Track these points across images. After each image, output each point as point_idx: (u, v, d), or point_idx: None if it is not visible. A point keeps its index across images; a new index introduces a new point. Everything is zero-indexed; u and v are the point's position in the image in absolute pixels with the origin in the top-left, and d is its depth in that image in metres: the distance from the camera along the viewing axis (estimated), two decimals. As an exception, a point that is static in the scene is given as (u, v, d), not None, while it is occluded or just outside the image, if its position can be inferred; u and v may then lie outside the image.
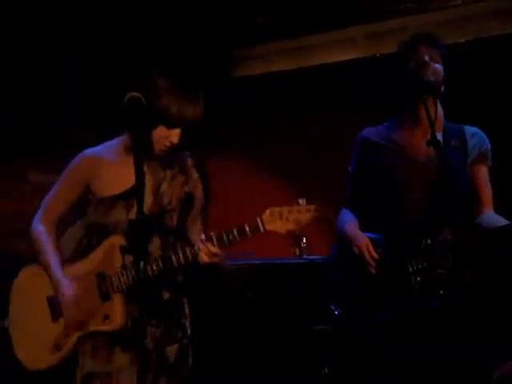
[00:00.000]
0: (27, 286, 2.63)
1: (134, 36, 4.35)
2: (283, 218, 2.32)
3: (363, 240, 2.67)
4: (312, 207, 2.33)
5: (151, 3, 4.33)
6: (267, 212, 2.34)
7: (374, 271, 2.62)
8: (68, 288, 2.48)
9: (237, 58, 5.10)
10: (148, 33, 4.35)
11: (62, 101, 4.75)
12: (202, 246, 2.37)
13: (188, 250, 2.39)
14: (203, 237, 2.40)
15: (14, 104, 4.64)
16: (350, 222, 2.81)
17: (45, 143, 4.71)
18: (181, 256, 2.39)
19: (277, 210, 2.33)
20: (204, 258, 2.37)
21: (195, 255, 2.38)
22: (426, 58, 2.65)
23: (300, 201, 2.34)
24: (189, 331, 2.59)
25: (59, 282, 2.49)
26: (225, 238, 2.36)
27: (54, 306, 2.54)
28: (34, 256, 2.60)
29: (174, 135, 2.45)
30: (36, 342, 2.55)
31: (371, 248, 2.64)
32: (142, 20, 4.40)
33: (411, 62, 2.68)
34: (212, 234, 2.40)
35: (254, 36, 4.86)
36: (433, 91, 2.64)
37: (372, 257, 2.63)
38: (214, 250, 2.36)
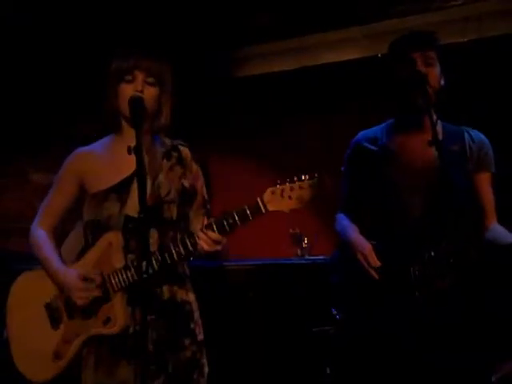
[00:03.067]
0: (24, 294, 2.54)
1: (134, 34, 4.35)
2: (285, 197, 2.19)
3: (367, 247, 2.62)
4: (314, 181, 2.19)
5: (153, 3, 4.33)
6: (268, 191, 2.21)
7: (377, 277, 2.58)
8: (69, 274, 2.39)
9: (238, 57, 5.11)
10: (149, 32, 4.35)
11: (63, 100, 4.75)
12: (200, 234, 2.26)
13: (188, 241, 2.29)
14: (202, 224, 2.31)
15: (14, 103, 4.64)
16: (351, 228, 2.76)
17: (45, 143, 4.71)
18: (181, 248, 2.30)
19: (278, 188, 2.20)
20: (204, 246, 2.26)
21: (195, 245, 2.28)
22: (422, 69, 2.55)
23: (302, 176, 2.21)
24: (200, 337, 2.47)
25: (59, 271, 2.40)
26: (225, 223, 2.24)
27: (53, 312, 2.46)
28: (34, 257, 2.53)
29: (136, 84, 2.39)
30: (37, 352, 2.46)
31: (375, 256, 2.60)
32: (143, 18, 4.40)
33: (405, 70, 2.58)
34: (211, 220, 2.30)
35: (255, 36, 4.86)
36: (432, 101, 2.56)
37: (376, 264, 2.59)
38: (215, 236, 2.25)
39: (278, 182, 2.23)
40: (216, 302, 3.91)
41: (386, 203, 2.66)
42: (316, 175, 2.21)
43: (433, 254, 2.52)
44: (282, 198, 2.20)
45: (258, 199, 2.22)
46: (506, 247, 2.50)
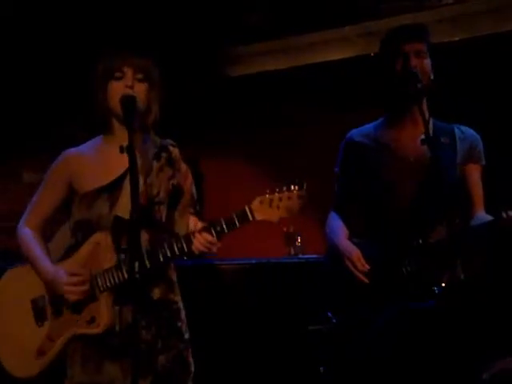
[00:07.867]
0: (10, 290, 2.53)
1: (127, 36, 4.35)
2: (274, 206, 2.18)
3: (354, 253, 2.62)
4: (303, 192, 2.19)
5: (146, 3, 4.33)
6: (256, 200, 2.20)
7: (367, 281, 2.58)
8: (59, 272, 2.38)
9: (231, 56, 5.10)
10: (142, 32, 4.35)
11: (56, 101, 4.75)
12: (197, 235, 2.27)
13: (175, 244, 2.29)
14: (199, 226, 2.32)
15: (8, 104, 4.63)
16: (339, 231, 2.76)
17: (38, 143, 4.70)
18: (167, 250, 2.30)
19: (267, 197, 2.19)
20: (199, 246, 2.27)
21: (182, 249, 2.28)
22: (413, 62, 2.57)
23: (291, 186, 2.19)
24: (186, 335, 2.47)
25: (48, 271, 2.40)
26: (212, 230, 2.25)
27: (38, 309, 2.45)
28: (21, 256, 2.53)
29: (126, 80, 2.38)
30: (20, 348, 2.44)
31: (363, 260, 2.59)
32: (136, 19, 4.39)
33: (397, 63, 2.60)
34: (203, 224, 2.31)
35: (248, 35, 4.86)
36: (424, 95, 2.59)
37: (365, 268, 2.58)
38: (212, 239, 2.26)
39: (267, 191, 2.21)
40: (208, 301, 3.91)
41: (378, 195, 2.69)
42: (305, 185, 2.20)
43: (420, 241, 2.54)
44: (270, 208, 2.19)
45: (246, 207, 2.21)
46: (483, 225, 2.53)
